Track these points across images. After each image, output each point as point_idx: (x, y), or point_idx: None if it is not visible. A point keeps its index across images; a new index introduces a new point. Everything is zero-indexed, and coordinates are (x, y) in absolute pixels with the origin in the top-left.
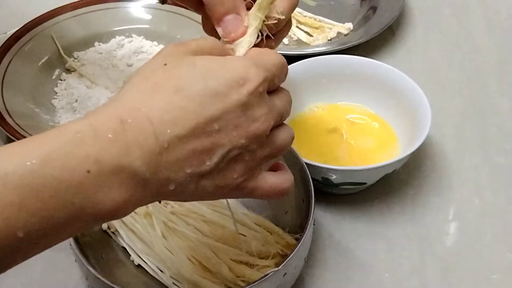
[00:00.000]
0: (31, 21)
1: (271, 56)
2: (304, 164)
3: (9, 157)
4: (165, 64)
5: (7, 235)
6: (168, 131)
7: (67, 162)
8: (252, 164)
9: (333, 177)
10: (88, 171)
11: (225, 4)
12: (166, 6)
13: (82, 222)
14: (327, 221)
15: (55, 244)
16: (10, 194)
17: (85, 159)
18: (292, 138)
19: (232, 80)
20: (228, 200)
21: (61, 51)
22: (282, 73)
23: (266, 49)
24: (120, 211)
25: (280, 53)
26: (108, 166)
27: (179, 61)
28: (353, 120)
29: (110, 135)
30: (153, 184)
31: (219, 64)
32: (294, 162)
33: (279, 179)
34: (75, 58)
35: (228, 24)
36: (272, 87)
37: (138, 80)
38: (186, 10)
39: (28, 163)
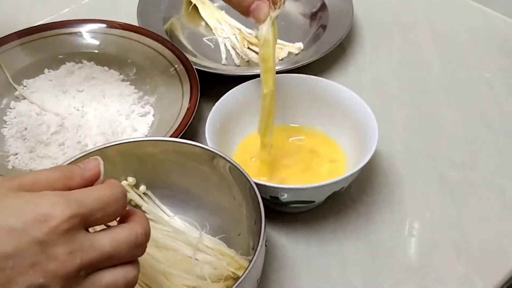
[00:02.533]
0: None
1: (98, 192)
2: (254, 184)
3: None
4: None
5: None
6: None
7: None
8: None
9: (283, 196)
10: None
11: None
12: (114, 31)
13: None
14: (281, 241)
15: None
16: None
17: None
18: (127, 283)
19: (32, 217)
20: (181, 224)
21: (10, 79)
22: (107, 209)
23: (100, 185)
24: None
25: (118, 186)
26: None
27: None
28: (301, 140)
29: None
30: None
31: (26, 201)
32: (243, 183)
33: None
34: (24, 86)
35: (255, 12)
36: (93, 223)
37: None
38: (135, 34)
39: None
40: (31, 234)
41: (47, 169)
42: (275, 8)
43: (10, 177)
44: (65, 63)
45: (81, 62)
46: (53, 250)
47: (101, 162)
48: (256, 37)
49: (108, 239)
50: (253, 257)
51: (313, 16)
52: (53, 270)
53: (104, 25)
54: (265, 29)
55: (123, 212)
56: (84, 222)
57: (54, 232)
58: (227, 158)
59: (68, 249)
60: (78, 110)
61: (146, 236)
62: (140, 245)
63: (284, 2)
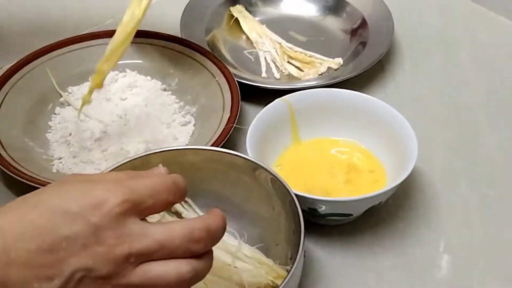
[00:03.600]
0: (27, 56)
1: (150, 180)
2: (294, 196)
3: None
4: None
5: None
6: (17, 244)
7: None
8: None
9: (321, 208)
10: None
11: None
12: (158, 41)
13: None
14: (318, 253)
15: None
16: None
17: None
18: (179, 278)
19: (87, 201)
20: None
21: (56, 85)
22: (158, 196)
23: (152, 175)
24: None
25: (170, 177)
26: None
27: (58, 183)
28: (341, 154)
29: None
30: None
31: (83, 186)
32: (284, 194)
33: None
34: (69, 93)
35: None
36: (146, 210)
37: (20, 198)
38: (178, 45)
39: None
40: (85, 218)
41: (114, 172)
42: None
43: (81, 173)
44: (109, 72)
45: (125, 71)
46: (103, 234)
47: (166, 169)
48: None
49: (161, 229)
50: (292, 266)
51: (353, 32)
52: (101, 254)
53: (148, 36)
54: None
55: (176, 201)
56: (136, 209)
57: (106, 216)
58: (269, 169)
59: (118, 233)
60: (120, 117)
61: (208, 232)
62: (196, 240)
63: None
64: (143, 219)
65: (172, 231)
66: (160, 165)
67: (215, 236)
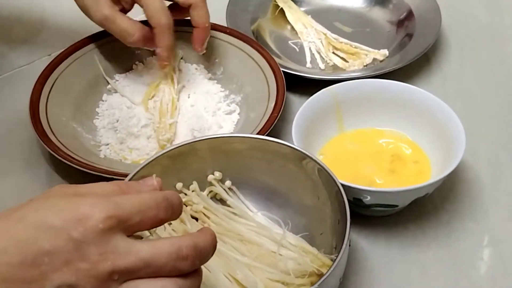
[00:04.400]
0: (75, 43)
1: (138, 196)
2: (340, 186)
3: None
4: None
5: None
6: (2, 253)
7: None
8: None
9: (366, 199)
10: None
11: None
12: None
13: None
14: (361, 244)
15: None
16: None
17: None
18: None
19: (71, 216)
20: (264, 220)
21: (103, 72)
22: (146, 213)
23: (143, 192)
24: None
25: (161, 193)
26: None
27: (44, 196)
28: (385, 145)
29: None
30: None
31: (68, 201)
32: (330, 183)
33: None
34: (116, 80)
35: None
36: (132, 227)
37: (7, 209)
38: (224, 34)
39: None
40: (68, 233)
41: (105, 182)
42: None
43: (69, 185)
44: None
45: None
46: (86, 250)
47: (159, 180)
48: None
49: (147, 246)
50: (338, 255)
51: (399, 24)
52: (84, 270)
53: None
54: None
55: (167, 218)
56: (122, 225)
57: (89, 232)
58: (316, 159)
59: (101, 250)
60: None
61: (195, 250)
62: (184, 257)
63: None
64: (132, 236)
65: (158, 249)
66: (154, 175)
67: (203, 254)
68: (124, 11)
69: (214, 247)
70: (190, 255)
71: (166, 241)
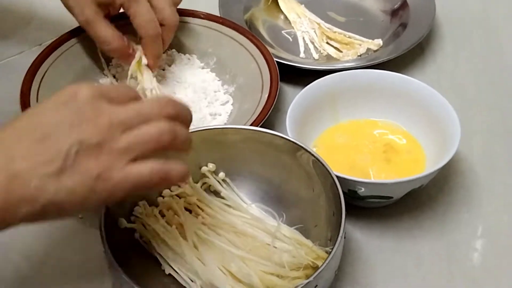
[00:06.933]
0: (65, 33)
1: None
2: (335, 177)
3: None
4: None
5: None
6: (16, 142)
7: None
8: (106, 156)
9: (361, 190)
10: None
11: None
12: (196, 20)
13: None
14: (356, 235)
15: None
16: None
17: None
18: (161, 132)
19: (63, 94)
20: (258, 213)
21: (102, 59)
22: (119, 89)
23: None
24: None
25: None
26: None
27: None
28: (380, 135)
29: None
30: (15, 188)
31: (63, 88)
32: (325, 175)
33: (154, 164)
34: (112, 65)
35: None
36: (111, 100)
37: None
38: (216, 24)
39: None
40: (65, 106)
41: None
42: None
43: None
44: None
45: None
46: (83, 112)
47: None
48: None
49: (134, 104)
50: (333, 247)
51: (393, 13)
52: (87, 127)
53: (186, 14)
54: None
55: (134, 95)
56: (104, 96)
57: (82, 99)
58: (311, 151)
59: (96, 109)
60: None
61: (172, 100)
62: (164, 104)
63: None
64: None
65: (142, 103)
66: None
67: (179, 103)
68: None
69: (186, 104)
70: (169, 102)
71: (146, 100)
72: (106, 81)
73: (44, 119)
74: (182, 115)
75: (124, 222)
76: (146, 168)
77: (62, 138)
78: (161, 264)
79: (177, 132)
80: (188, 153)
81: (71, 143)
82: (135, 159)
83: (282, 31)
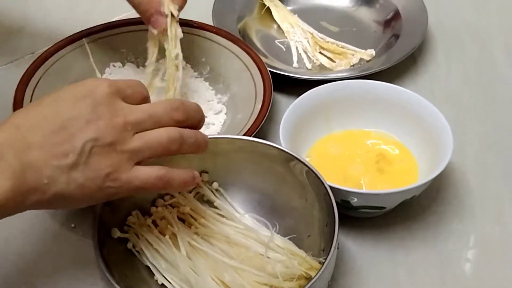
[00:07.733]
0: (58, 42)
1: (126, 80)
2: (328, 187)
3: None
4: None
5: None
6: (32, 132)
7: None
8: (117, 157)
9: (354, 200)
10: None
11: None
12: (189, 29)
13: None
14: (349, 245)
15: None
16: None
17: None
18: (170, 137)
19: (84, 89)
20: (251, 223)
21: (94, 65)
22: (134, 88)
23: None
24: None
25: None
26: None
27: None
28: (372, 146)
29: None
30: (28, 176)
31: (82, 81)
32: (318, 185)
33: (159, 170)
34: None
35: (155, 24)
36: (127, 97)
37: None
38: (210, 33)
39: None
40: (84, 100)
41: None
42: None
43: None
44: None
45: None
46: (101, 110)
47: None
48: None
49: (146, 106)
50: (326, 258)
51: (386, 24)
52: (103, 125)
53: (180, 24)
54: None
55: (146, 95)
56: (120, 94)
57: (100, 96)
58: (304, 161)
59: (112, 108)
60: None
61: (183, 104)
62: (175, 108)
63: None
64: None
65: (154, 105)
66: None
67: (191, 108)
68: None
69: (198, 106)
70: (180, 107)
71: (159, 102)
72: None
73: (61, 110)
74: (191, 119)
75: (117, 232)
76: (152, 173)
77: (78, 133)
78: (154, 274)
79: (184, 139)
80: (200, 153)
81: (86, 139)
82: (140, 161)
83: (275, 41)
